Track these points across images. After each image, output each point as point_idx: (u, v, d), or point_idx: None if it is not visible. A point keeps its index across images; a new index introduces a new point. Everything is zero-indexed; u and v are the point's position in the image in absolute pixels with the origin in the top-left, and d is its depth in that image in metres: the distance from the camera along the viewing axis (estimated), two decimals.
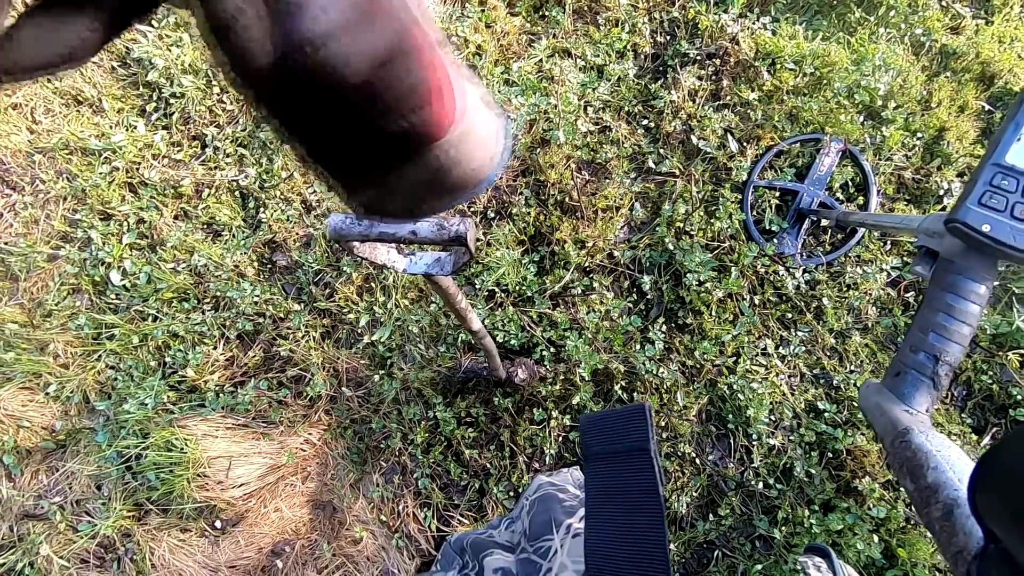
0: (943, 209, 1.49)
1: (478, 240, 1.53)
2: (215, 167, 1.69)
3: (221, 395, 1.53)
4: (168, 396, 1.52)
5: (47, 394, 1.59)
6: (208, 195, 1.67)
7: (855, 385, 1.40)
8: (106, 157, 1.71)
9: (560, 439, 1.45)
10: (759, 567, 1.31)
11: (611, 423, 0.54)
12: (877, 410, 0.48)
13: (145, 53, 1.71)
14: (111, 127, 1.74)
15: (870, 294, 1.44)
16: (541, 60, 1.65)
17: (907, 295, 1.44)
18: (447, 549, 0.86)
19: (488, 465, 1.44)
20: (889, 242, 1.48)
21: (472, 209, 1.57)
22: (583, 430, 0.55)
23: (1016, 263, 0.52)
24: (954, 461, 0.39)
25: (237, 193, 1.69)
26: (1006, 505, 0.28)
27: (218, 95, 1.72)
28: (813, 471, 1.35)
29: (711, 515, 1.38)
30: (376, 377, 1.51)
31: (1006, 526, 0.29)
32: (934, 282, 0.58)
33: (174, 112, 1.72)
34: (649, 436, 0.50)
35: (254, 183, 1.66)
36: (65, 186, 1.71)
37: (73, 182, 1.70)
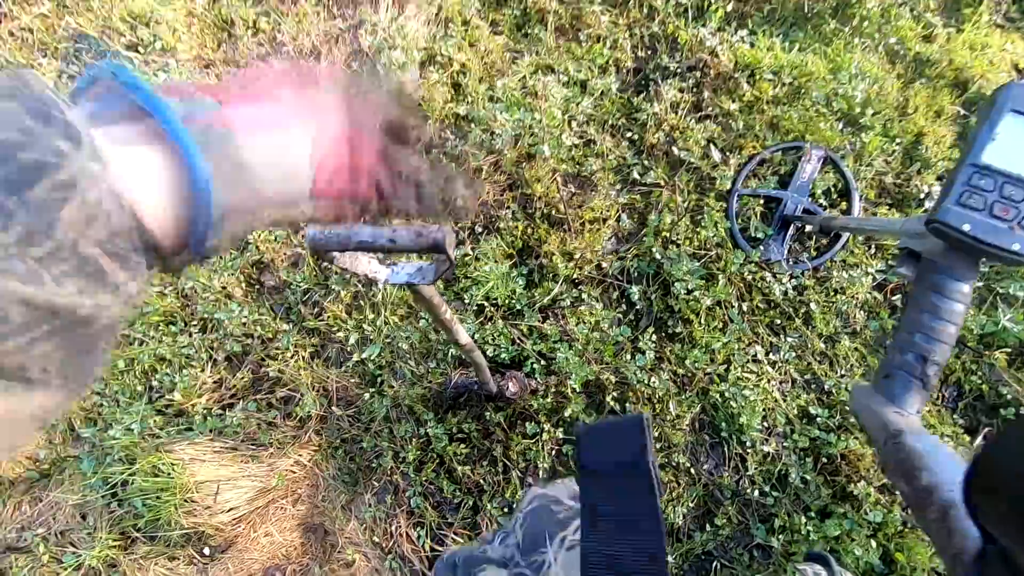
0: (924, 212, 1.51)
1: (465, 255, 1.53)
2: None
3: (209, 418, 1.50)
4: (155, 421, 1.49)
5: None
6: None
7: (846, 389, 1.40)
8: None
9: (553, 452, 1.43)
10: None
11: (607, 434, 0.53)
12: (868, 413, 0.47)
13: None
14: None
15: (857, 298, 1.44)
16: (525, 77, 1.67)
17: (893, 298, 1.45)
18: (439, 566, 0.84)
19: (481, 481, 1.42)
20: (873, 246, 1.49)
21: (460, 224, 1.58)
22: (578, 442, 0.54)
23: (997, 261, 0.53)
24: (947, 462, 0.39)
25: None
26: (1001, 505, 0.28)
27: None
28: (808, 477, 1.34)
29: (708, 525, 1.36)
30: (366, 395, 1.49)
31: (1002, 526, 0.28)
32: (918, 283, 0.58)
33: None
34: (647, 448, 0.49)
35: None
36: None
37: None
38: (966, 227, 0.51)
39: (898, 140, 1.53)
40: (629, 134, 1.61)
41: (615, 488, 0.49)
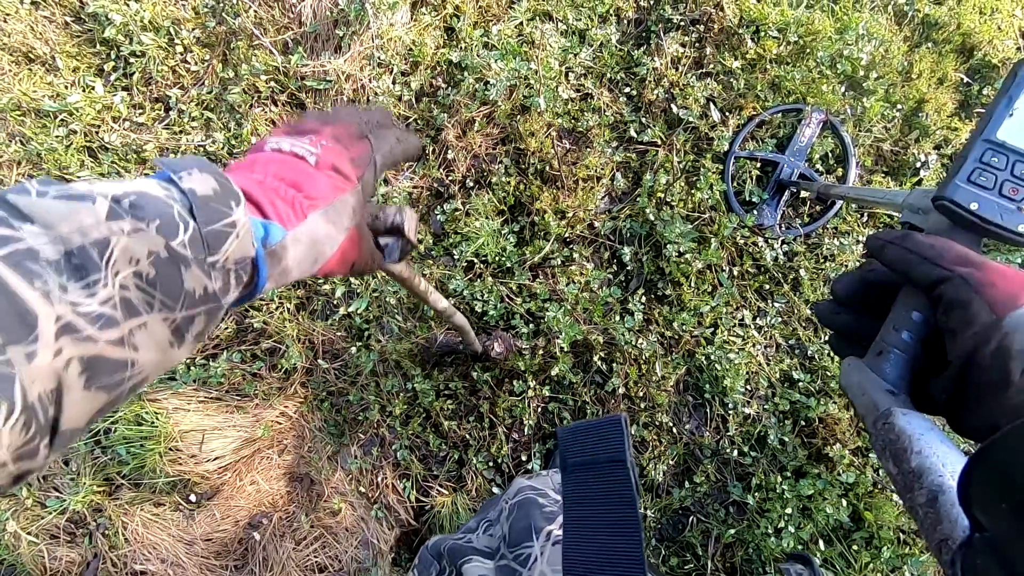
0: (919, 182, 1.50)
1: (456, 209, 1.50)
2: (180, 131, 1.61)
3: (192, 368, 1.49)
4: None
5: None
6: None
7: (829, 355, 1.42)
8: (62, 119, 1.62)
9: (539, 409, 1.45)
10: (732, 531, 1.35)
11: (587, 434, 0.55)
12: (859, 389, 0.46)
13: (101, 8, 1.61)
14: (67, 87, 1.64)
15: (846, 266, 1.45)
16: (522, 23, 1.59)
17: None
18: (424, 554, 0.84)
19: (467, 436, 1.44)
20: (866, 214, 1.49)
21: (451, 178, 1.54)
22: (560, 441, 0.56)
23: (1001, 241, 0.51)
24: (937, 446, 0.38)
25: (204, 159, 1.62)
26: (1004, 498, 0.28)
27: (181, 55, 1.63)
28: (786, 439, 1.38)
29: (687, 482, 1.41)
30: (353, 349, 1.48)
31: (999, 518, 0.28)
32: None
33: (134, 72, 1.63)
34: (625, 447, 0.51)
35: (222, 148, 1.59)
36: (19, 150, 1.61)
37: (27, 146, 1.61)
38: (974, 206, 0.49)
39: (899, 106, 1.50)
40: (627, 89, 1.56)
41: (596, 483, 0.51)
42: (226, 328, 1.52)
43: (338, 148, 0.49)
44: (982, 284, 0.36)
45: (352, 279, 1.50)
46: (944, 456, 0.37)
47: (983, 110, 1.53)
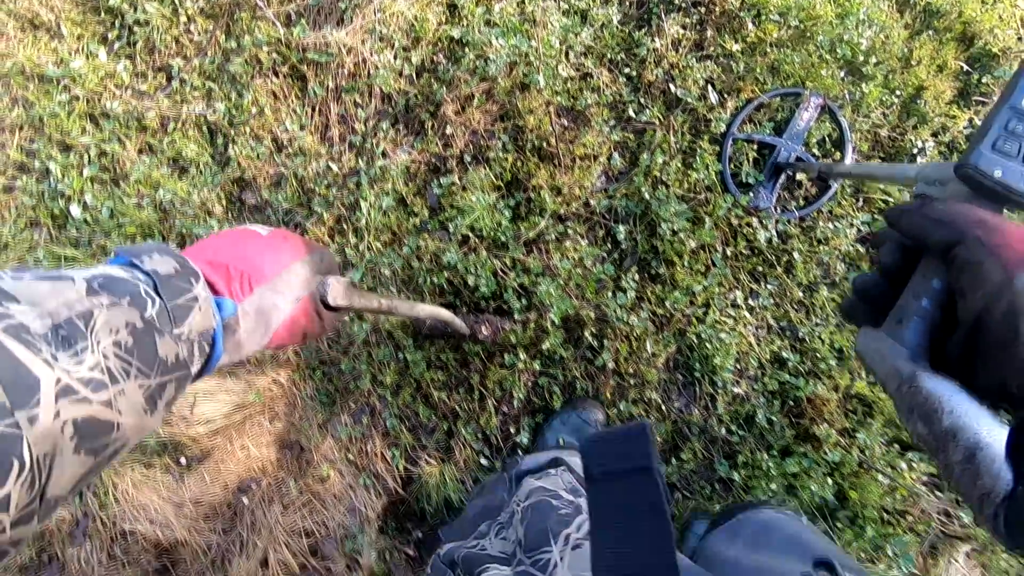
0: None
1: (452, 183, 1.50)
2: (182, 100, 1.62)
3: None
4: None
5: None
6: (174, 129, 1.61)
7: (820, 337, 1.43)
8: (65, 85, 1.63)
9: (530, 383, 1.46)
10: (717, 507, 1.35)
11: (612, 443, 0.53)
12: (878, 356, 0.46)
13: None
14: (70, 54, 1.65)
15: (839, 249, 1.46)
16: (523, 1, 1.60)
17: (873, 252, 1.46)
18: (436, 563, 0.82)
19: (457, 407, 1.45)
20: (861, 199, 1.49)
21: (449, 153, 1.54)
22: (584, 451, 0.54)
23: (1021, 209, 0.51)
24: (968, 405, 0.38)
25: (205, 128, 1.63)
26: None
27: (185, 24, 1.64)
28: (774, 418, 1.38)
29: (674, 459, 1.41)
30: (346, 318, 1.49)
31: None
32: None
33: (138, 41, 1.64)
34: (652, 455, 0.50)
35: (223, 118, 1.60)
36: (21, 114, 1.63)
37: (29, 111, 1.62)
38: (997, 173, 0.49)
39: (898, 92, 1.51)
40: (627, 70, 1.56)
41: (623, 493, 0.50)
42: None
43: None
44: (996, 245, 0.36)
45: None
46: (976, 415, 0.37)
47: (982, 97, 1.53)
